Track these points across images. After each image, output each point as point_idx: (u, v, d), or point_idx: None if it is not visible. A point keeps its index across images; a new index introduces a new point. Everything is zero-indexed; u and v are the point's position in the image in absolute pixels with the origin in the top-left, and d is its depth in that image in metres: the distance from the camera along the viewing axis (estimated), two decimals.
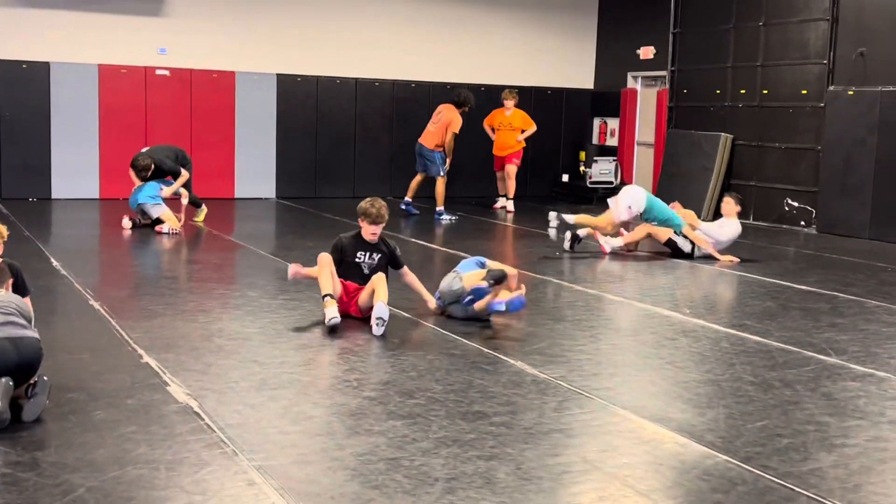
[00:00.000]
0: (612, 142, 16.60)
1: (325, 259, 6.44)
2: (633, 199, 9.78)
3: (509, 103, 13.86)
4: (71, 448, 4.11)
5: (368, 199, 6.62)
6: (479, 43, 15.91)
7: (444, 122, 13.00)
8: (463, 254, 9.95)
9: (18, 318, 4.58)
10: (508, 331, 6.56)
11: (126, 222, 10.81)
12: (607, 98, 16.61)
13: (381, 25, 15.21)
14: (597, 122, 16.96)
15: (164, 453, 4.05)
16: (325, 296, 6.31)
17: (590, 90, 16.93)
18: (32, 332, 4.59)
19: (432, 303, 6.86)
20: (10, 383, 4.31)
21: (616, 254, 9.99)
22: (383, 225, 6.61)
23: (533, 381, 5.31)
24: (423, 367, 5.54)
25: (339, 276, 6.52)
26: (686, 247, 9.75)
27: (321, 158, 15.07)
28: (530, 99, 16.17)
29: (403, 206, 13.11)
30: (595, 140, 16.92)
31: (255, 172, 14.64)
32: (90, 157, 13.33)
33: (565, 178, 16.62)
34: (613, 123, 16.58)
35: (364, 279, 6.56)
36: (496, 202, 14.35)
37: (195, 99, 14.11)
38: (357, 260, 6.60)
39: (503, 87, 15.64)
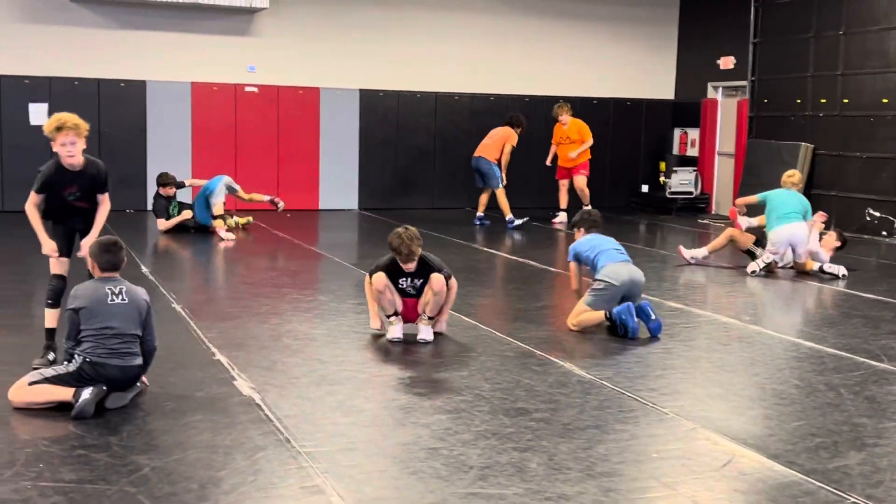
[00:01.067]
0: (693, 152, 16.56)
1: (382, 279, 6.32)
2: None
3: (564, 117, 13.87)
4: (140, 434, 4.50)
5: (399, 230, 6.20)
6: (558, 55, 16.10)
7: (502, 138, 13.31)
8: (534, 262, 10.17)
9: (136, 348, 4.93)
10: (562, 334, 6.76)
11: (224, 233, 11.35)
12: (688, 108, 16.59)
13: (460, 40, 15.55)
14: (677, 132, 16.94)
15: (224, 439, 4.40)
16: (392, 315, 6.41)
17: (670, 101, 16.93)
18: (139, 360, 4.93)
19: (443, 326, 6.54)
20: (104, 388, 4.71)
21: (697, 264, 9.93)
22: (417, 258, 6.27)
23: (578, 382, 5.51)
24: (475, 366, 5.80)
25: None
26: (765, 258, 9.37)
27: (401, 170, 15.47)
28: (609, 110, 16.29)
29: (477, 223, 13.38)
30: (675, 150, 16.90)
31: (339, 184, 15.12)
32: (183, 170, 13.98)
33: (644, 188, 16.65)
34: (694, 134, 16.54)
35: (412, 296, 6.50)
36: (555, 216, 14.14)
37: (282, 114, 14.68)
38: (400, 286, 6.44)
39: (582, 100, 15.82)
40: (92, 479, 3.90)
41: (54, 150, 5.64)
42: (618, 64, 16.52)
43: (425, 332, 6.40)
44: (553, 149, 14.13)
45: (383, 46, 15.12)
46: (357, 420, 4.78)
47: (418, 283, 6.43)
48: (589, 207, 7.38)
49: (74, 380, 4.74)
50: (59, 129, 5.51)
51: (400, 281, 6.44)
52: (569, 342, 6.53)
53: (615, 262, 6.85)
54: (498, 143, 13.34)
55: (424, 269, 6.38)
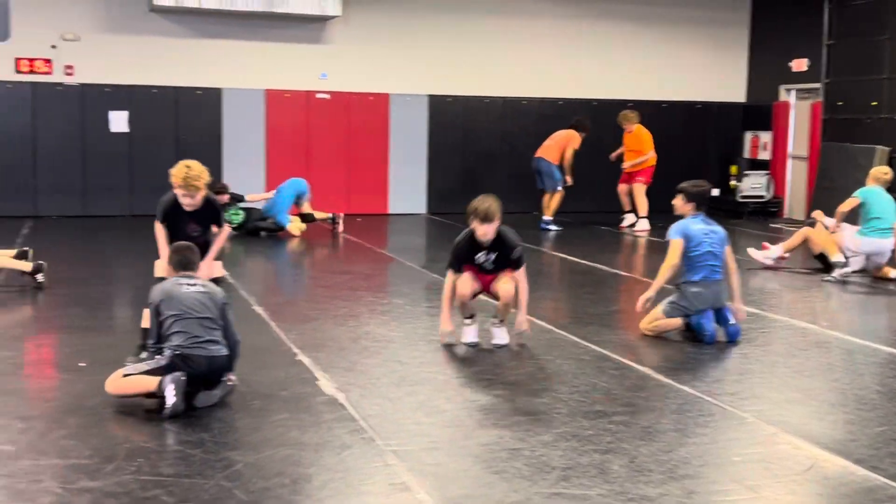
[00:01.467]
0: (765, 155, 16.35)
1: (467, 285, 6.32)
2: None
3: (627, 126, 13.78)
4: (231, 431, 4.67)
5: (480, 197, 6.31)
6: (626, 59, 16.06)
7: (564, 140, 13.27)
8: (604, 266, 10.19)
9: (218, 335, 5.10)
10: (636, 338, 6.79)
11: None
12: (759, 111, 16.39)
13: (528, 45, 15.60)
14: (748, 135, 16.74)
15: (312, 437, 4.55)
16: (468, 317, 6.49)
17: (741, 104, 16.76)
18: (225, 350, 5.08)
19: (525, 324, 6.46)
20: (184, 378, 4.89)
21: (770, 267, 9.85)
22: (495, 224, 6.22)
23: (656, 385, 5.54)
24: (552, 369, 5.87)
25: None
26: (845, 269, 9.18)
27: (469, 175, 15.56)
28: (678, 113, 16.19)
29: (543, 227, 13.38)
30: (747, 154, 16.71)
31: (408, 189, 15.29)
32: (257, 175, 14.28)
33: (715, 192, 16.48)
34: (766, 137, 16.34)
35: (490, 272, 6.43)
36: (622, 221, 13.98)
37: (352, 120, 14.90)
38: (477, 262, 6.39)
39: (651, 103, 15.75)
40: (189, 473, 4.06)
41: (174, 189, 5.87)
42: (687, 67, 16.40)
43: (500, 337, 6.48)
44: (621, 149, 14.09)
45: (452, 52, 15.24)
46: (438, 420, 4.88)
47: (493, 256, 6.35)
48: (701, 181, 6.99)
49: (166, 373, 4.93)
50: (184, 186, 5.82)
51: (477, 256, 6.37)
52: (644, 346, 6.56)
53: (708, 283, 6.59)
54: (559, 145, 13.33)
55: (501, 245, 6.31)
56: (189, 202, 5.91)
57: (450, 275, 6.46)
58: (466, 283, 6.36)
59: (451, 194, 15.43)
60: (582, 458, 4.31)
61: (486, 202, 6.21)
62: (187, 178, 5.77)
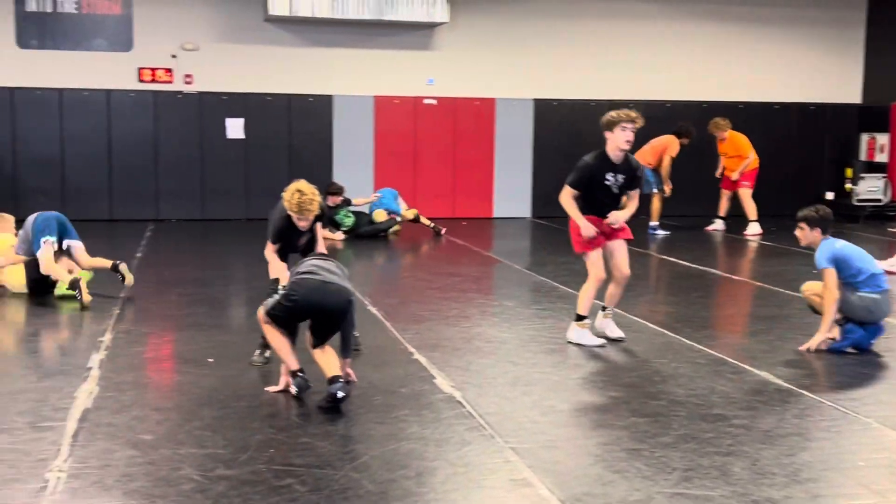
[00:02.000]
0: (882, 158, 15.83)
1: (600, 273, 6.47)
2: None
3: (719, 134, 13.51)
4: (356, 424, 4.83)
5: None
6: (736, 60, 15.79)
7: (662, 145, 13.08)
8: (716, 271, 10.05)
9: (337, 271, 5.32)
10: (752, 342, 6.71)
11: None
12: (876, 113, 15.89)
13: (635, 47, 15.50)
14: (865, 137, 16.24)
15: (433, 433, 4.67)
16: (584, 318, 6.54)
17: (857, 105, 16.28)
18: (344, 282, 5.28)
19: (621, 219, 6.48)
20: (309, 383, 5.10)
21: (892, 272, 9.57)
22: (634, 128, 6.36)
23: (776, 390, 5.48)
24: (668, 372, 5.86)
25: (588, 204, 6.53)
26: None
27: None
28: (791, 115, 15.84)
29: (651, 232, 13.25)
30: (863, 156, 16.22)
31: (512, 193, 15.36)
32: (366, 179, 14.54)
33: (829, 195, 16.04)
34: (883, 139, 15.82)
35: (614, 201, 6.53)
36: (711, 223, 13.72)
37: (458, 125, 15.06)
38: (606, 182, 6.44)
39: (762, 105, 15.45)
40: (319, 464, 4.23)
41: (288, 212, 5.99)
42: (800, 67, 16.03)
43: (613, 329, 6.53)
44: (721, 160, 13.83)
45: (558, 56, 15.26)
46: (556, 420, 4.95)
47: (621, 179, 6.45)
48: (820, 206, 6.71)
49: (287, 304, 5.13)
50: (298, 212, 5.90)
51: (608, 176, 6.43)
52: (761, 350, 6.47)
53: (879, 293, 6.35)
54: (655, 151, 13.16)
55: (629, 166, 6.47)
56: (304, 224, 6.03)
57: (568, 191, 6.54)
58: (599, 264, 6.47)
59: (555, 199, 15.41)
60: (703, 459, 4.31)
61: (624, 111, 6.38)
62: (301, 205, 5.83)
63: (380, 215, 12.65)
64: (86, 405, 4.98)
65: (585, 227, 6.45)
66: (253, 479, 4.02)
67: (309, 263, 5.33)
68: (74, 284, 7.49)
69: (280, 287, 5.50)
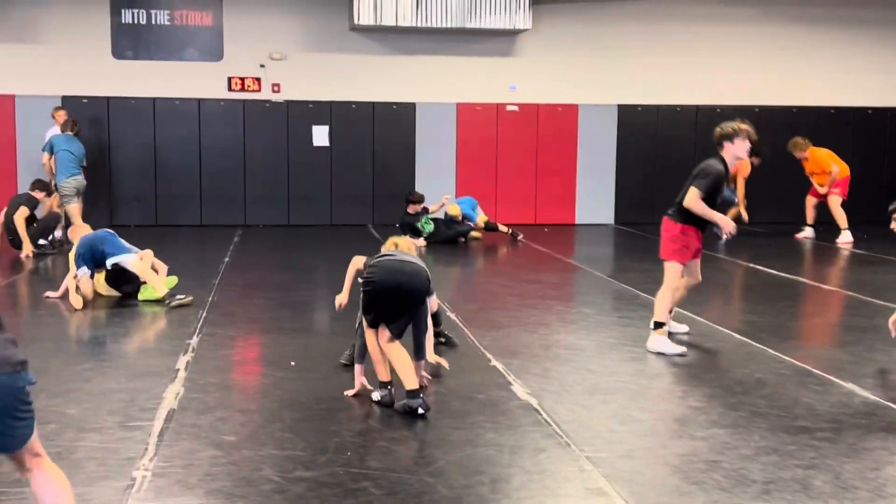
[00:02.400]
0: None
1: (680, 282, 6.65)
2: None
3: (800, 154, 13.14)
4: (433, 430, 4.87)
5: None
6: (828, 64, 15.40)
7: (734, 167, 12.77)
8: (804, 279, 9.82)
9: (414, 254, 5.45)
10: (841, 352, 6.53)
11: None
12: None
13: (722, 51, 15.25)
14: None
15: (508, 439, 4.68)
16: (662, 325, 6.52)
17: None
18: (421, 263, 5.35)
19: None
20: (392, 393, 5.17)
21: None
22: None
23: (862, 402, 5.33)
24: (750, 383, 5.75)
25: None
26: None
27: (659, 186, 15.34)
28: (887, 120, 15.37)
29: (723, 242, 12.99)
30: None
31: (595, 199, 15.27)
32: (448, 186, 14.62)
33: None
34: None
35: (724, 207, 6.79)
36: (801, 231, 13.44)
37: (541, 131, 15.04)
38: (723, 191, 6.93)
39: (855, 110, 15.04)
40: (395, 468, 4.28)
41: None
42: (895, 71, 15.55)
43: (675, 326, 6.72)
44: (814, 181, 13.42)
45: (642, 61, 15.11)
46: (633, 429, 4.90)
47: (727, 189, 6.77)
48: None
49: (367, 289, 5.17)
50: None
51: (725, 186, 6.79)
52: (849, 362, 6.30)
53: None
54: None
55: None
56: None
57: (697, 194, 6.56)
58: (680, 274, 6.62)
59: (639, 205, 15.30)
60: (783, 472, 4.23)
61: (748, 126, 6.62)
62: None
63: (454, 209, 12.78)
64: (172, 406, 5.14)
65: (726, 221, 6.61)
66: (330, 482, 4.10)
67: (383, 252, 5.41)
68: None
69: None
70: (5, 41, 13.56)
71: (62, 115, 12.40)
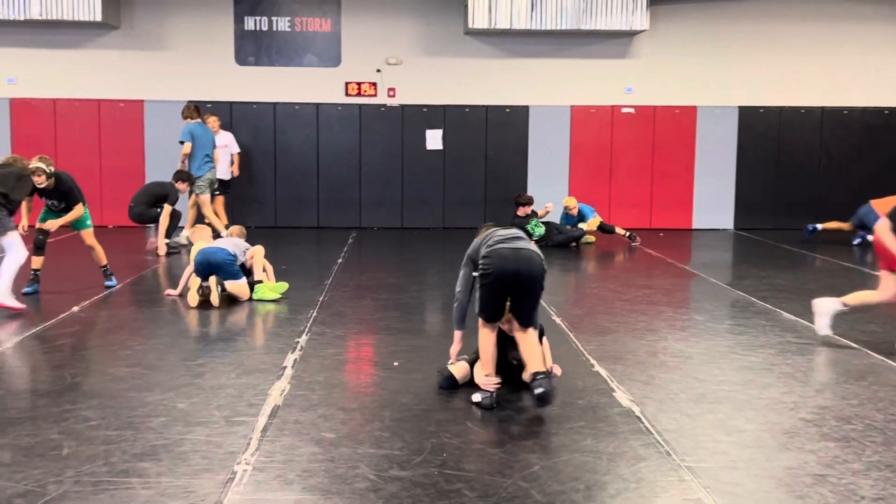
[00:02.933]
0: None
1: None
2: None
3: None
4: (530, 434, 4.83)
5: None
6: None
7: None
8: None
9: (524, 238, 5.41)
10: None
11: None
12: None
13: (849, 50, 14.64)
14: None
15: (607, 446, 4.61)
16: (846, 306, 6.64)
17: None
18: (535, 248, 5.36)
19: None
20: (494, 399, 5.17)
21: None
22: None
23: None
24: (866, 396, 5.50)
25: None
26: None
27: (781, 189, 14.88)
28: None
29: (858, 240, 12.42)
30: None
31: (713, 203, 14.88)
32: (561, 189, 14.52)
33: None
34: None
35: None
36: None
37: (657, 134, 14.77)
38: None
39: None
40: (489, 471, 4.27)
41: None
42: None
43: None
44: None
45: (764, 62, 14.66)
46: (738, 440, 4.76)
47: None
48: None
49: (485, 282, 5.19)
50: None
51: None
52: None
53: None
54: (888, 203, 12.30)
55: None
56: None
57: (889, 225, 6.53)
58: None
59: (760, 209, 14.86)
60: None
61: None
62: None
63: (569, 200, 12.85)
64: (277, 402, 5.27)
65: None
66: (424, 482, 4.12)
67: (495, 238, 5.38)
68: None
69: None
70: (134, 49, 14.18)
71: (215, 121, 12.97)
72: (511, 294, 5.24)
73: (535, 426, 4.94)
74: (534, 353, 5.19)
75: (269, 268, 8.71)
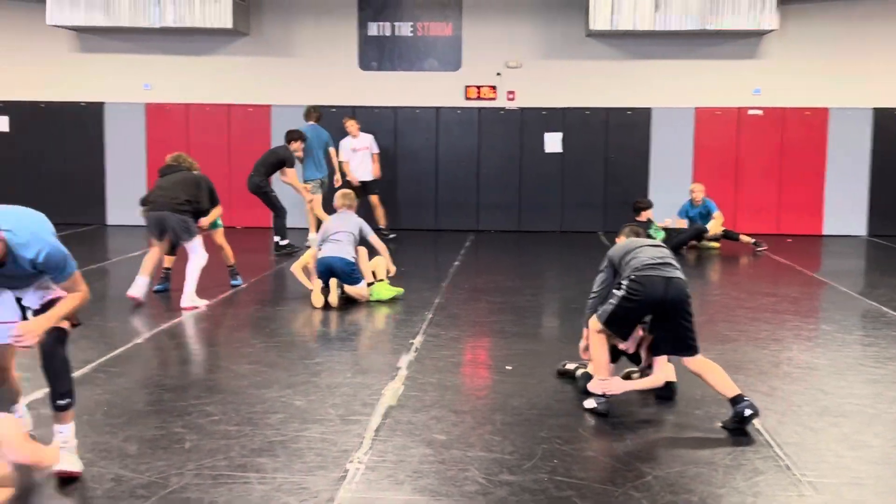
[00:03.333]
0: None
1: None
2: None
3: None
4: (644, 443, 4.75)
5: None
6: None
7: None
8: None
9: (673, 262, 5.30)
10: None
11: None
12: None
13: None
14: None
15: (723, 458, 4.48)
16: None
17: None
18: (681, 274, 5.26)
19: None
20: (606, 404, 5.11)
21: None
22: None
23: None
24: None
25: None
26: None
27: None
28: None
29: None
30: None
31: (845, 209, 14.29)
32: (682, 193, 14.19)
33: None
34: None
35: None
36: None
37: (786, 136, 14.28)
38: None
39: None
40: (601, 479, 4.22)
41: None
42: None
43: None
44: None
45: None
46: (864, 455, 4.55)
47: None
48: None
49: (628, 305, 5.10)
50: None
51: None
52: None
53: None
54: None
55: None
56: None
57: None
58: None
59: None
60: None
61: None
62: None
63: (716, 226, 12.59)
64: (391, 402, 5.33)
65: None
66: (534, 488, 4.10)
67: (647, 256, 5.26)
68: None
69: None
70: (262, 55, 14.62)
71: (353, 124, 13.27)
72: (653, 317, 5.16)
73: (650, 435, 4.85)
74: (721, 378, 5.06)
75: (387, 259, 8.72)
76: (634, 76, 14.35)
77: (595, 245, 12.63)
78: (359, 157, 13.26)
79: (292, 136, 12.04)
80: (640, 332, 5.41)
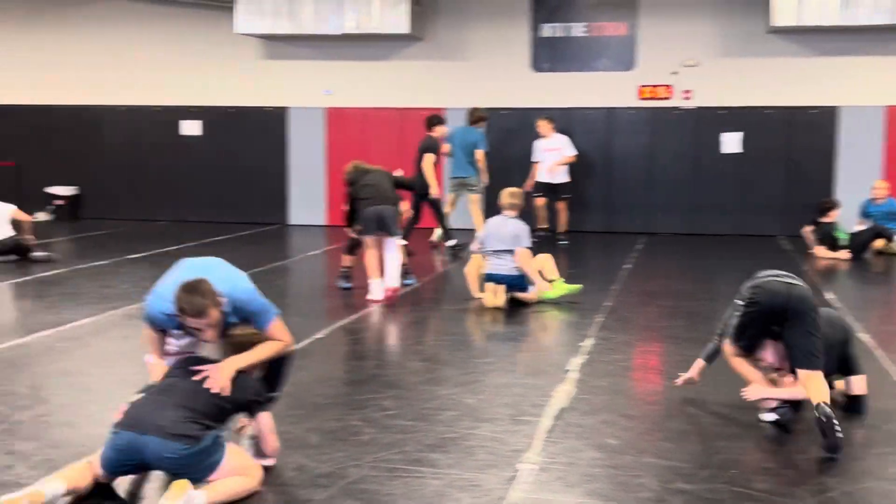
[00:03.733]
0: None
1: None
2: None
3: None
4: (827, 458, 4.51)
5: None
6: None
7: None
8: None
9: (796, 278, 5.08)
10: None
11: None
12: None
13: None
14: None
15: None
16: None
17: None
18: (803, 283, 5.04)
19: None
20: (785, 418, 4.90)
21: None
22: None
23: None
24: None
25: None
26: None
27: None
28: None
29: None
30: None
31: None
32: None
33: None
34: None
35: None
36: None
37: None
38: None
39: None
40: (781, 492, 4.06)
41: None
42: None
43: None
44: None
45: None
46: None
47: None
48: None
49: (749, 310, 4.97)
50: None
51: None
52: None
53: None
54: None
55: None
56: None
57: None
58: None
59: None
60: None
61: None
62: None
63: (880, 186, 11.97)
64: (562, 404, 5.32)
65: None
66: (711, 498, 3.99)
67: (766, 273, 5.13)
68: None
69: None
70: (436, 59, 14.86)
71: (545, 124, 13.32)
72: (778, 325, 4.92)
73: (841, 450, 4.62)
74: (818, 385, 4.76)
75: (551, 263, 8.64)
76: (819, 74, 13.71)
77: (773, 249, 12.15)
78: (550, 158, 13.24)
79: (432, 121, 12.12)
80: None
